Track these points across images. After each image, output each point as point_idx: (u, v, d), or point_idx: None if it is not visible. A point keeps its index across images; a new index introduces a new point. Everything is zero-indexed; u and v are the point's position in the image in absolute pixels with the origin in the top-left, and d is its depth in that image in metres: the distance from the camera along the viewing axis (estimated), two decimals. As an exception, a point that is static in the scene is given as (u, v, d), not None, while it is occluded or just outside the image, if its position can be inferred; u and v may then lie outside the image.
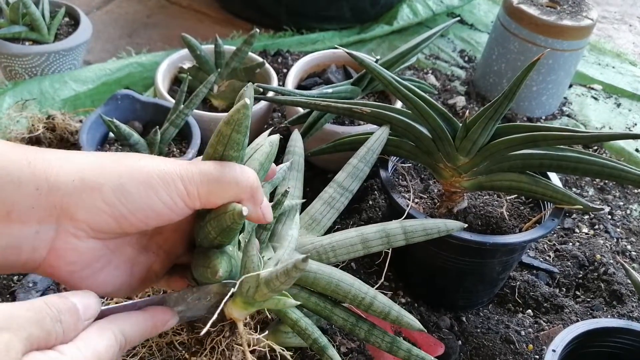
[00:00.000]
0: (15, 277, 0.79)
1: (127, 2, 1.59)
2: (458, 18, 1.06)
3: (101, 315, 0.37)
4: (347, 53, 0.75)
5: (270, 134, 0.55)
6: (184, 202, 0.38)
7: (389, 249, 0.68)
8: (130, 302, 0.40)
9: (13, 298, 0.74)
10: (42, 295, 0.75)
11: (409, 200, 0.76)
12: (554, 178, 0.79)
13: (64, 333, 0.33)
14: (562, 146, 0.71)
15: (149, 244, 0.44)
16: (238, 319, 0.47)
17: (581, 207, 0.72)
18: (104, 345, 0.35)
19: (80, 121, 1.00)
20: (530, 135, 0.68)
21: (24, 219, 0.35)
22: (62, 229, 0.36)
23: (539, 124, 0.87)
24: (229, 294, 0.44)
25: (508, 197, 0.82)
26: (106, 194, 0.36)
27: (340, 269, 0.65)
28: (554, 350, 0.61)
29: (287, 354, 0.57)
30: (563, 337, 0.62)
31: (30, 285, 0.76)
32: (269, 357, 0.69)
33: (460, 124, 0.72)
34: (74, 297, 0.35)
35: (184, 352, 0.63)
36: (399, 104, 0.95)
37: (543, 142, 0.68)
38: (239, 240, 0.50)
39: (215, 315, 0.42)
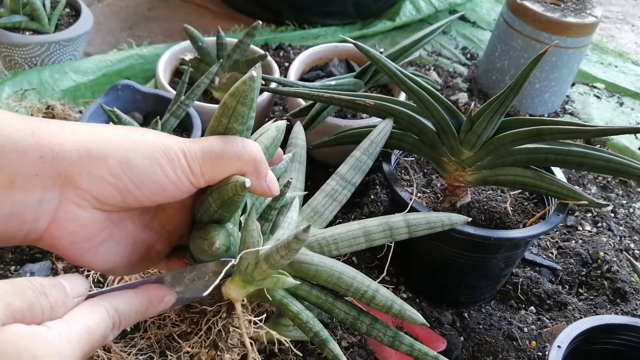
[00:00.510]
0: (12, 268, 0.78)
1: (128, -6, 1.58)
2: (461, 14, 1.06)
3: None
4: (354, 44, 0.74)
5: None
6: (188, 180, 0.38)
7: (391, 243, 0.68)
8: (126, 284, 0.39)
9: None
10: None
11: (412, 194, 0.75)
12: (559, 173, 0.78)
13: (52, 309, 0.32)
14: (566, 142, 0.71)
15: (152, 222, 0.43)
16: (236, 299, 0.45)
17: (586, 202, 0.71)
18: (95, 320, 0.34)
19: (80, 112, 0.99)
20: (535, 128, 0.67)
21: (27, 187, 0.34)
22: (65, 198, 0.36)
23: (545, 118, 0.86)
24: (227, 267, 0.42)
25: (512, 192, 0.82)
26: (112, 165, 0.35)
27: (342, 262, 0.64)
28: (559, 346, 0.60)
29: (284, 339, 0.56)
30: (568, 333, 0.62)
31: (28, 275, 0.75)
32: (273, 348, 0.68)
33: (465, 118, 0.71)
34: (60, 277, 0.34)
35: (183, 344, 0.62)
36: (402, 98, 0.95)
37: (549, 135, 0.67)
38: (240, 222, 0.49)
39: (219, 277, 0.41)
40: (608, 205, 0.88)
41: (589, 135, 0.66)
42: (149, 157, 0.36)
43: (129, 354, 0.59)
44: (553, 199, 0.76)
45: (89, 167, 0.35)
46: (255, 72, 0.40)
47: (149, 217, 0.42)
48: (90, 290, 0.36)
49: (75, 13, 1.21)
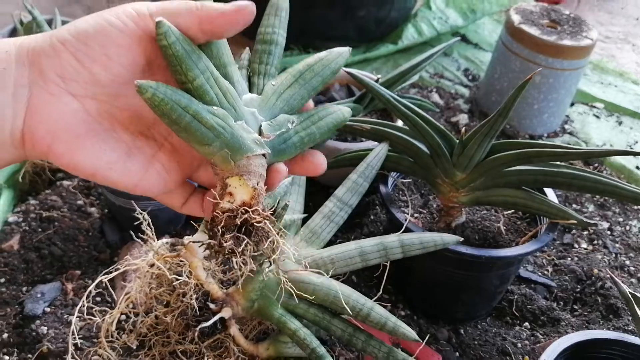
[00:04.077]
0: (24, 289, 0.81)
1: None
2: (459, 38, 1.09)
3: None
4: (347, 72, 0.78)
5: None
6: (132, 20, 0.38)
7: (387, 262, 0.70)
8: None
9: (22, 308, 0.77)
10: (49, 305, 0.78)
11: (409, 215, 0.78)
12: (550, 194, 0.81)
13: None
14: (559, 163, 0.73)
15: (149, 131, 0.43)
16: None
17: (575, 221, 0.73)
18: None
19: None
20: (523, 152, 0.70)
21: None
22: (35, 86, 0.38)
23: (534, 141, 0.89)
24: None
25: (505, 212, 0.84)
26: (60, 34, 0.38)
27: (341, 282, 0.67)
28: (545, 361, 0.62)
29: None
30: (554, 349, 0.64)
31: (39, 295, 0.78)
32: None
33: (458, 141, 0.74)
34: None
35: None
36: (399, 121, 0.98)
37: (536, 158, 0.70)
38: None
39: None
40: (596, 224, 0.90)
41: (575, 157, 0.69)
42: (94, 16, 0.38)
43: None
44: (544, 218, 0.79)
45: (44, 46, 0.38)
46: None
47: (144, 126, 0.43)
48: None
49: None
